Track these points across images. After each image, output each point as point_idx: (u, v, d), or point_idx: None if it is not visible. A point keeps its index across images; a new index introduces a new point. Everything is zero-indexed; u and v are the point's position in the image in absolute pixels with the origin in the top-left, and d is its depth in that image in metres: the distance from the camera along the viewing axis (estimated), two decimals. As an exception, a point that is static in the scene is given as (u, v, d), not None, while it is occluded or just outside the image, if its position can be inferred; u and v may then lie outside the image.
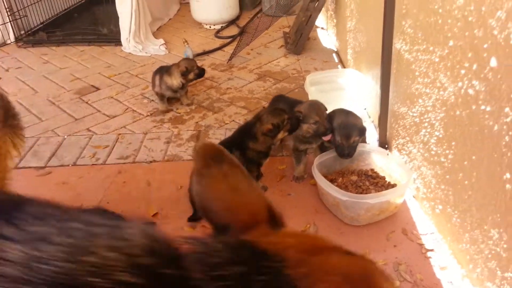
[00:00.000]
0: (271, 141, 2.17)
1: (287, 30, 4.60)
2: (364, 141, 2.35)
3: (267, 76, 3.73)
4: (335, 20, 4.20)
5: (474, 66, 1.54)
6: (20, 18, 4.77)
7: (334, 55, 4.04)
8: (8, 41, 4.78)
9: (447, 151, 1.79)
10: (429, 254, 1.86)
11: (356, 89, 2.97)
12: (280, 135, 2.17)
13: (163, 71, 3.24)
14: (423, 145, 2.04)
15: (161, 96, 3.22)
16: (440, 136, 1.84)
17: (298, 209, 2.18)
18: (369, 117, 2.94)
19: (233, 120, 3.07)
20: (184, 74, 3.13)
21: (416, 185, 2.14)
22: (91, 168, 2.63)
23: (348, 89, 3.06)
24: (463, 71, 1.62)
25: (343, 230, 2.02)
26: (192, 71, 3.16)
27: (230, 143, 2.17)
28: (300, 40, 4.08)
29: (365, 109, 3.03)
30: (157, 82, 3.23)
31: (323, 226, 2.06)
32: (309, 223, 2.07)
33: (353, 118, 2.21)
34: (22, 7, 4.79)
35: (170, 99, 3.31)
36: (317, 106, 2.25)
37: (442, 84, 1.80)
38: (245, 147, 2.15)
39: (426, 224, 2.02)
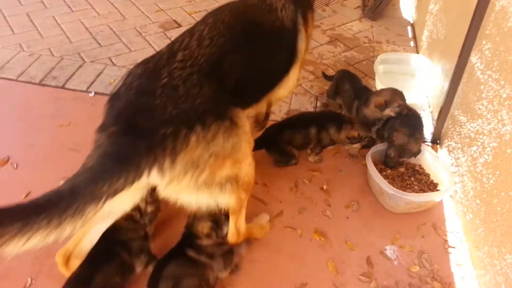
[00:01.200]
0: (346, 143, 2.56)
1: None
2: None
3: (339, 40, 3.88)
4: (418, -8, 4.15)
5: (536, 115, 1.74)
6: None
7: (409, 28, 4.08)
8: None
9: (491, 176, 2.05)
10: (450, 250, 2.21)
11: (424, 77, 3.12)
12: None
13: None
14: (472, 160, 2.29)
15: None
16: (488, 160, 2.09)
17: (346, 186, 2.53)
18: (429, 106, 3.12)
19: (300, 84, 3.33)
20: None
21: (456, 188, 2.43)
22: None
23: (416, 76, 3.21)
24: (525, 115, 1.82)
25: (382, 213, 2.38)
26: None
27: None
28: (379, 7, 4.11)
29: (427, 97, 3.20)
30: None
31: (365, 205, 2.42)
32: (353, 201, 2.44)
33: (414, 143, 2.43)
34: None
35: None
36: (400, 92, 2.55)
37: (502, 119, 1.99)
38: (326, 130, 2.55)
39: (454, 223, 2.34)
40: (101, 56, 3.48)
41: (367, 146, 2.56)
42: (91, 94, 3.10)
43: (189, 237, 1.91)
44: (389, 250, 2.19)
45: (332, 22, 4.14)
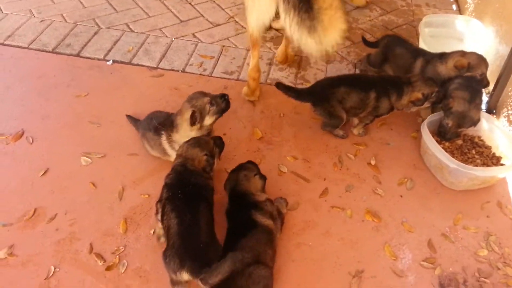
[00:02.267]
0: (411, 107, 2.25)
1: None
2: None
3: (374, 3, 3.55)
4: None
5: None
6: None
7: (450, -10, 3.72)
8: None
9: None
10: (519, 231, 1.96)
11: (474, 41, 2.81)
12: (425, 105, 2.23)
13: None
14: (544, 127, 2.01)
15: None
16: None
17: (396, 161, 2.27)
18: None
19: (335, 51, 3.02)
20: None
21: (521, 162, 2.16)
22: (199, 78, 2.76)
23: (465, 40, 2.90)
24: None
25: (439, 190, 2.13)
26: None
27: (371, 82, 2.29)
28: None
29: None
30: None
31: (420, 182, 2.16)
32: (406, 177, 2.18)
33: (474, 111, 2.15)
34: None
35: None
36: (486, 60, 2.28)
37: None
38: (387, 96, 2.24)
39: (522, 202, 2.09)
40: (118, 22, 3.20)
41: (437, 103, 2.25)
42: (109, 63, 2.83)
43: (243, 197, 1.82)
44: (452, 232, 1.94)
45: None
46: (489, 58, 2.70)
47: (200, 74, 2.78)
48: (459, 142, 2.27)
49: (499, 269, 1.81)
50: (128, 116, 2.36)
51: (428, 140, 2.10)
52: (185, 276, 1.54)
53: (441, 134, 2.24)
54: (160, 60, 2.87)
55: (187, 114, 1.99)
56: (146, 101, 2.54)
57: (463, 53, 2.34)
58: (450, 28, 2.99)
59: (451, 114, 2.16)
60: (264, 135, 2.39)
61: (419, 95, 2.18)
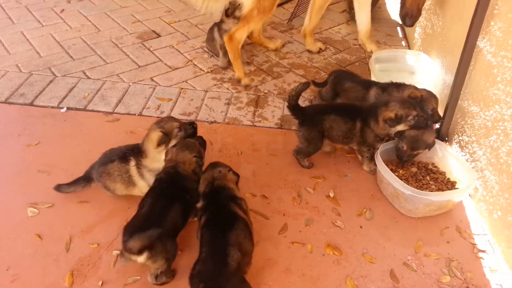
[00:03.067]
0: (388, 130, 2.22)
1: (350, -7, 4.44)
2: None
3: (328, 43, 3.68)
4: (404, -9, 4.02)
5: None
6: None
7: (399, 28, 3.93)
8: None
9: (520, 164, 1.82)
10: (480, 254, 1.95)
11: (423, 74, 2.93)
12: (400, 127, 2.19)
13: (216, 23, 3.24)
14: (491, 150, 2.06)
15: (224, 48, 3.12)
16: (515, 147, 1.86)
17: (354, 192, 2.27)
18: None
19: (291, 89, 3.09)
20: (226, 15, 3.06)
21: (475, 185, 2.19)
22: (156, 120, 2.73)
23: (414, 73, 3.02)
24: (558, 92, 1.61)
25: (398, 219, 2.12)
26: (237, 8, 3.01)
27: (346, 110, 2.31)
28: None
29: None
30: (215, 34, 3.22)
31: (378, 212, 2.15)
32: (365, 208, 2.17)
33: (427, 134, 2.20)
34: None
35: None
36: (408, 101, 2.23)
37: (529, 97, 1.79)
38: (367, 124, 2.25)
39: (479, 224, 2.09)
40: (74, 70, 3.19)
41: (419, 126, 2.19)
42: (63, 110, 2.79)
43: (221, 191, 1.86)
44: (414, 260, 1.92)
45: (319, 26, 3.94)
46: (437, 88, 2.83)
47: (157, 117, 2.76)
48: (414, 169, 2.30)
49: (462, 295, 1.78)
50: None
51: (382, 168, 2.12)
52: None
53: (398, 158, 2.27)
54: (117, 105, 2.85)
55: (155, 135, 2.00)
56: (101, 146, 2.45)
57: (416, 88, 2.43)
58: (399, 62, 3.12)
59: (404, 138, 2.20)
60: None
61: (391, 115, 2.16)
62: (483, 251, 1.96)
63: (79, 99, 2.89)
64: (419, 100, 2.32)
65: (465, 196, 2.12)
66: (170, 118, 2.12)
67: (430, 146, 2.21)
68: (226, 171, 1.93)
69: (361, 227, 2.07)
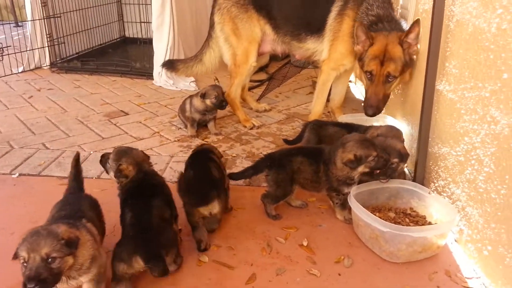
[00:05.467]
0: (350, 172, 2.08)
1: (316, 79, 4.67)
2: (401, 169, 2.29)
3: (296, 117, 3.74)
4: (364, 72, 4.27)
5: (536, 95, 1.50)
6: (59, 44, 4.94)
7: (363, 104, 4.05)
8: (44, 66, 4.92)
9: (499, 187, 1.70)
10: (476, 299, 1.70)
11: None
12: (361, 169, 2.06)
13: (192, 96, 3.33)
14: (469, 184, 1.95)
15: (192, 121, 3.24)
16: (491, 171, 1.76)
17: (330, 241, 2.05)
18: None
19: (261, 152, 3.02)
20: (202, 97, 3.18)
21: (459, 227, 2.02)
22: (115, 182, 2.55)
23: (381, 133, 3.01)
24: (521, 102, 1.58)
25: (381, 266, 1.88)
26: (212, 97, 3.17)
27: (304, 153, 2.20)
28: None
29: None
30: (187, 106, 3.27)
31: (358, 260, 1.92)
32: (343, 255, 1.94)
33: (392, 142, 2.15)
34: (61, 35, 4.98)
35: (199, 127, 3.31)
36: (368, 140, 2.11)
37: (494, 118, 1.75)
38: (327, 167, 2.14)
39: (471, 268, 1.87)
40: (33, 143, 3.05)
41: (379, 169, 2.07)
42: (15, 176, 2.58)
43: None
44: (402, 306, 1.65)
45: (286, 104, 4.07)
46: (407, 145, 2.80)
47: (117, 180, 2.58)
48: (391, 214, 2.13)
49: None
50: None
51: (358, 209, 1.95)
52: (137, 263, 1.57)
53: (375, 176, 2.15)
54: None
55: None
56: (48, 207, 2.23)
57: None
58: (367, 123, 3.13)
59: None
60: (184, 227, 2.12)
61: (350, 156, 2.02)
62: (479, 293, 1.72)
63: (33, 167, 2.71)
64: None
65: (448, 232, 1.93)
66: (129, 148, 2.07)
67: (402, 154, 2.13)
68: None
69: (339, 274, 1.82)
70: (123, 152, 1.98)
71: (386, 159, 2.07)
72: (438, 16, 2.15)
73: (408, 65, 2.70)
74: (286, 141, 2.93)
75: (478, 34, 1.88)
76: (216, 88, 3.23)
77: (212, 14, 3.54)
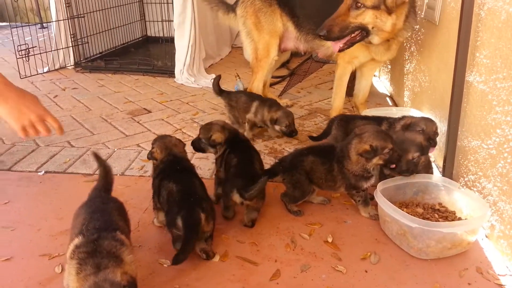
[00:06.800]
0: (365, 165, 2.02)
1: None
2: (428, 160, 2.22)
3: (318, 112, 3.69)
4: (389, 66, 4.19)
5: None
6: (82, 44, 5.03)
7: (387, 99, 3.98)
8: (68, 65, 5.01)
9: (536, 180, 1.62)
10: (511, 297, 1.63)
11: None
12: (375, 161, 2.00)
13: (261, 101, 3.13)
14: (501, 178, 1.87)
15: (252, 124, 3.13)
16: (526, 164, 1.68)
17: (356, 237, 2.00)
18: (431, 157, 2.78)
19: (283, 148, 2.98)
20: (273, 123, 3.01)
21: (491, 223, 1.94)
22: (138, 179, 2.58)
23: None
24: (559, 91, 1.50)
25: (409, 262, 1.82)
26: (283, 125, 2.99)
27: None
28: (351, 83, 4.04)
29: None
30: (253, 108, 3.12)
31: (385, 256, 1.87)
32: (369, 252, 1.89)
33: (410, 134, 2.07)
34: (85, 35, 5.07)
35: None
36: (383, 132, 2.06)
37: (529, 109, 1.67)
38: (341, 164, 2.08)
39: (503, 264, 1.79)
40: (59, 141, 3.11)
41: (393, 162, 2.01)
42: (41, 173, 2.63)
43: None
44: (432, 304, 1.59)
45: (308, 100, 4.02)
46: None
47: (140, 176, 2.60)
48: (419, 210, 2.07)
49: None
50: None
51: (383, 203, 1.90)
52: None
53: (400, 172, 2.08)
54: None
55: None
56: (73, 203, 2.24)
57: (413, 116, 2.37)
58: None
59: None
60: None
61: (366, 147, 1.96)
62: (514, 291, 1.65)
63: (59, 164, 2.75)
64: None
65: (479, 228, 1.86)
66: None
67: (421, 146, 2.04)
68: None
69: (366, 271, 1.77)
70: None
71: (399, 154, 2.01)
72: (469, 5, 2.07)
73: (387, 7, 2.50)
74: (311, 137, 2.88)
75: None
76: (289, 116, 3.02)
77: (235, 5, 3.54)
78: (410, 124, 2.21)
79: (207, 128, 2.27)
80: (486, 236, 1.98)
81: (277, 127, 3.02)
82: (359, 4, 2.52)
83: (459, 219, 2.00)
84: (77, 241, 1.45)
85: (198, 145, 2.30)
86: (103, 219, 1.58)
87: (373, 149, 1.95)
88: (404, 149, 2.03)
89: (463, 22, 2.11)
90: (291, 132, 3.02)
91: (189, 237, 1.70)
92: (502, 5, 1.88)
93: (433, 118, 2.79)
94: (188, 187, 1.88)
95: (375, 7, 2.51)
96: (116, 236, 1.49)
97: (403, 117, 2.39)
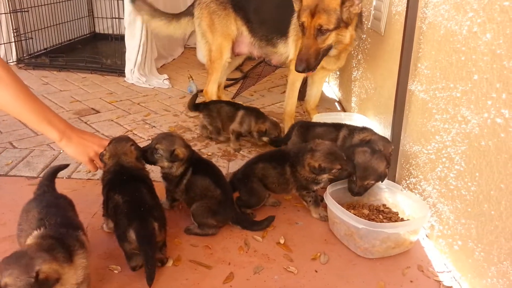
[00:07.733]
0: (316, 176, 2.11)
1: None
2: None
3: (271, 115, 3.72)
4: (337, 73, 4.34)
5: (503, 96, 1.56)
6: (26, 39, 4.77)
7: (336, 104, 4.12)
8: (10, 62, 4.73)
9: (469, 184, 1.76)
10: (447, 292, 1.76)
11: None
12: (325, 176, 2.11)
13: (247, 111, 3.09)
14: (440, 181, 2.01)
15: (237, 134, 3.05)
16: (461, 169, 1.82)
17: (307, 238, 2.07)
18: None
19: (239, 152, 3.01)
20: (262, 135, 2.97)
21: (430, 223, 2.08)
22: (86, 182, 2.49)
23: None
24: (489, 102, 1.64)
25: (356, 262, 1.91)
26: (271, 136, 2.95)
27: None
28: (303, 87, 4.15)
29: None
30: (238, 119, 3.06)
31: (334, 256, 1.94)
32: (319, 252, 1.96)
33: (376, 162, 2.11)
34: (29, 30, 4.81)
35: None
36: (334, 153, 2.10)
37: (464, 118, 1.81)
38: (294, 168, 2.15)
39: (442, 262, 1.93)
40: (0, 142, 2.94)
41: (343, 178, 2.16)
42: (-22, 176, 2.48)
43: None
44: (377, 300, 1.68)
45: (261, 102, 4.08)
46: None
47: (88, 179, 2.52)
48: (365, 211, 2.17)
49: (436, 333, 1.54)
50: None
51: (333, 206, 1.98)
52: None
53: (349, 189, 2.16)
54: (43, 170, 2.58)
55: None
56: (17, 208, 2.16)
57: (373, 132, 2.43)
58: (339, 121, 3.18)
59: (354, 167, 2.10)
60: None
61: (316, 165, 2.05)
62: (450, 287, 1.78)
63: (0, 166, 2.60)
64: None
65: (420, 227, 1.99)
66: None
67: (381, 175, 2.11)
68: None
69: (316, 271, 1.84)
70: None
71: (350, 172, 2.10)
72: (411, 18, 2.20)
73: (345, 22, 2.59)
74: (272, 142, 2.93)
75: (449, 36, 1.94)
76: (277, 127, 2.99)
77: (192, 6, 3.54)
78: (369, 141, 2.28)
79: (169, 139, 2.03)
80: (427, 236, 2.12)
81: (264, 138, 2.99)
82: (324, 30, 2.58)
83: (402, 219, 2.13)
84: (37, 233, 1.40)
85: (151, 156, 2.04)
86: (62, 215, 1.54)
87: (321, 169, 2.05)
88: (364, 176, 2.09)
89: (406, 34, 2.24)
90: (276, 142, 2.95)
91: (148, 252, 1.62)
92: (441, 20, 2.02)
93: (376, 124, 2.95)
94: (136, 197, 1.76)
95: (337, 27, 2.60)
96: (79, 236, 1.47)
97: (364, 129, 2.44)
